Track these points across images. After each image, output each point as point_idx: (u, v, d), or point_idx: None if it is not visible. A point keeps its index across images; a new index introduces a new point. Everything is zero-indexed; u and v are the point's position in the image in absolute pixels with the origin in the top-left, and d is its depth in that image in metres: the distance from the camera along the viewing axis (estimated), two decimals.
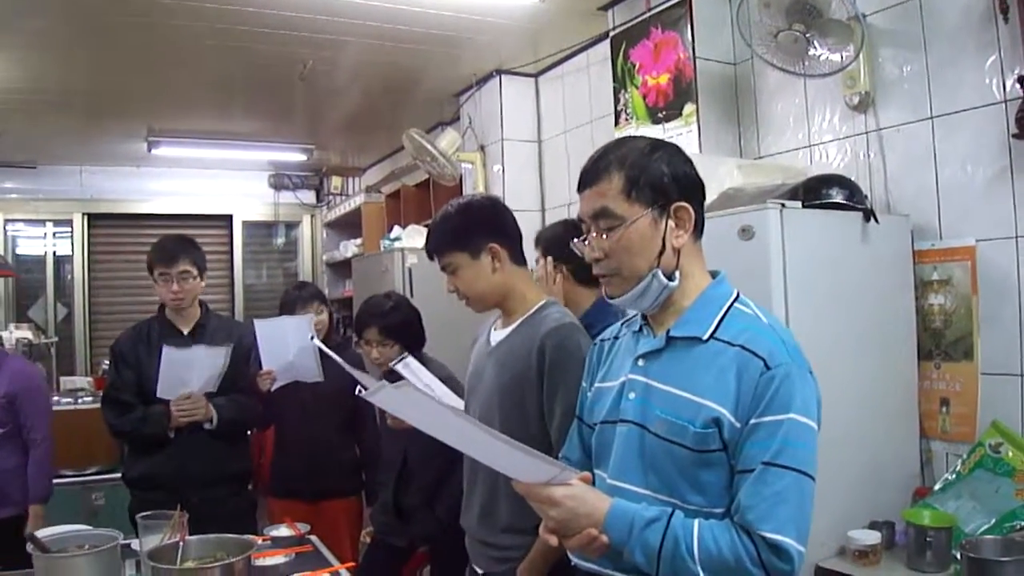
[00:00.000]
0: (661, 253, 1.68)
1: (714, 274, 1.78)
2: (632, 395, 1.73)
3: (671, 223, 1.69)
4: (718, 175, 3.07)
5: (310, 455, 3.83)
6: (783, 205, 2.76)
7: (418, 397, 1.52)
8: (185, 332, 3.49)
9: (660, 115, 3.92)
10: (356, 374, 1.71)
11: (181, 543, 2.51)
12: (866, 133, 3.22)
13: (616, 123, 4.20)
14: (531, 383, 2.30)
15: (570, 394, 2.14)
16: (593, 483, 1.70)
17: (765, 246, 2.71)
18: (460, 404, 2.66)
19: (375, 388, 1.47)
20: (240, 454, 3.59)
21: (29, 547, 2.47)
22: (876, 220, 2.92)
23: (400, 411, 1.66)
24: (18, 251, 8.17)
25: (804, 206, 2.87)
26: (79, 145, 7.31)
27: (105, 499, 4.92)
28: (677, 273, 1.70)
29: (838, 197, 2.95)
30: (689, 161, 1.76)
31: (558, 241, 2.90)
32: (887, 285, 2.99)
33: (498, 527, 2.35)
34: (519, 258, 2.47)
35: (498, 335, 2.48)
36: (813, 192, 2.97)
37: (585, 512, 1.58)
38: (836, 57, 3.12)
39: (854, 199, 2.95)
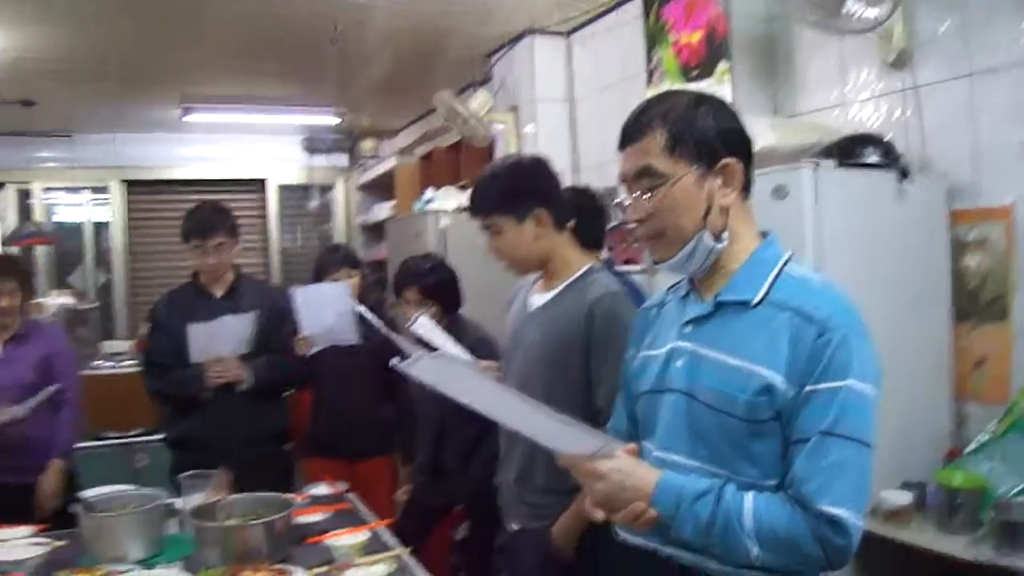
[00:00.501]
0: (707, 213, 1.59)
1: (764, 235, 1.69)
2: (679, 363, 1.65)
3: (718, 181, 1.60)
4: (751, 134, 3.05)
5: (348, 415, 3.89)
6: (817, 164, 2.74)
7: (456, 368, 1.52)
8: (218, 296, 3.56)
9: (693, 73, 3.89)
10: (395, 339, 1.72)
11: (223, 501, 2.59)
12: (902, 91, 3.17)
13: (648, 82, 4.18)
14: (577, 349, 2.30)
15: (619, 362, 2.08)
16: (640, 455, 1.65)
17: (799, 206, 2.70)
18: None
19: (411, 360, 1.46)
20: (277, 414, 3.67)
21: (76, 507, 2.56)
22: (912, 180, 2.89)
23: (437, 382, 1.60)
24: (57, 219, 8.31)
25: (838, 165, 2.85)
26: (113, 113, 7.40)
27: (147, 460, 5.04)
28: (725, 234, 1.61)
29: (873, 156, 2.93)
30: (736, 115, 1.67)
31: (570, 205, 2.93)
32: (922, 245, 2.96)
33: (536, 488, 2.38)
34: (561, 222, 2.45)
35: (539, 298, 2.47)
36: (847, 151, 2.95)
37: (632, 485, 1.54)
38: (872, 13, 3.07)
39: (889, 158, 2.93)
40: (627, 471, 1.55)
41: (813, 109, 3.55)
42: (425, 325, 3.03)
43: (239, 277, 3.65)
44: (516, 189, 2.40)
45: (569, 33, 5.23)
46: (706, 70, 3.80)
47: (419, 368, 1.49)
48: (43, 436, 3.54)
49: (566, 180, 5.03)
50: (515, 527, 2.51)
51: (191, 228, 3.50)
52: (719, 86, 3.72)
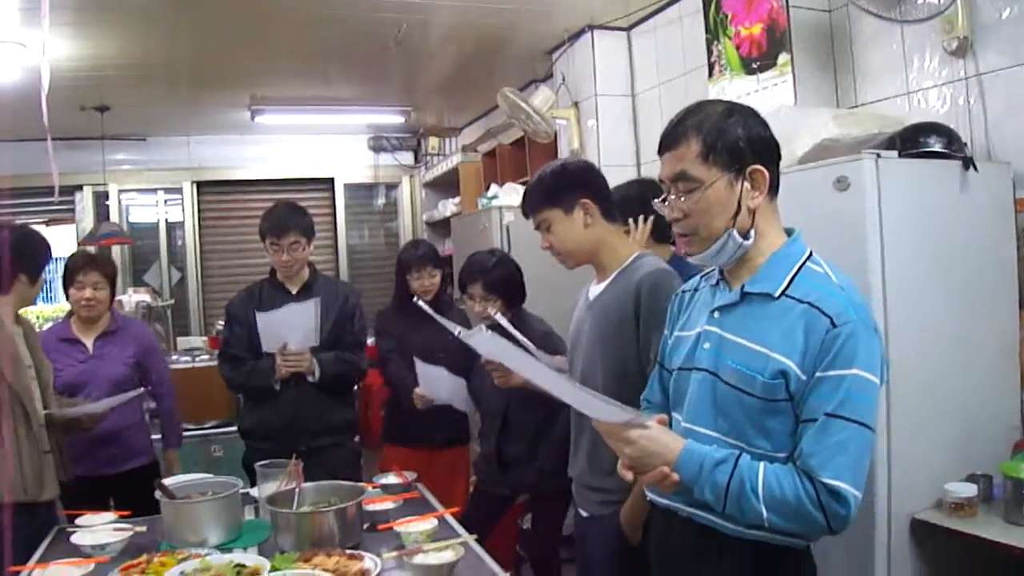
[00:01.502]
0: (737, 213, 1.77)
1: (789, 232, 1.85)
2: (707, 345, 1.84)
3: (747, 185, 1.77)
4: (812, 126, 3.06)
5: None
6: (878, 155, 2.73)
7: (508, 345, 1.72)
8: (294, 292, 3.66)
9: (754, 66, 3.89)
10: (449, 326, 1.84)
11: (298, 489, 2.68)
12: (965, 79, 3.15)
13: (710, 75, 4.19)
14: (629, 325, 2.40)
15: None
16: (669, 425, 1.86)
17: (860, 197, 2.70)
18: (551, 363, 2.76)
19: (473, 331, 1.69)
20: (346, 405, 3.76)
21: (157, 494, 2.67)
22: (976, 168, 2.87)
23: (493, 354, 1.91)
24: (132, 219, 8.56)
25: (901, 155, 2.84)
26: (185, 116, 7.61)
27: (223, 450, 5.21)
28: (752, 232, 1.79)
29: (936, 145, 2.90)
30: (764, 124, 1.82)
31: (631, 200, 2.99)
32: (987, 235, 2.94)
33: (604, 471, 2.44)
34: (611, 215, 2.57)
35: (595, 290, 2.58)
36: (910, 141, 2.93)
37: (657, 451, 1.73)
38: (933, 1, 3.06)
39: (952, 147, 2.90)
40: (655, 438, 1.74)
41: (875, 99, 3.53)
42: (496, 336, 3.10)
43: (314, 274, 3.75)
44: (560, 183, 2.54)
45: (630, 28, 5.25)
46: (767, 62, 3.80)
47: (476, 340, 1.76)
48: (131, 430, 3.69)
49: (628, 174, 5.10)
50: (584, 514, 2.58)
51: (268, 227, 3.60)
52: (781, 78, 3.72)
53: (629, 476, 1.79)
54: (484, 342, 1.79)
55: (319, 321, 3.50)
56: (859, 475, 1.64)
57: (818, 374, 1.65)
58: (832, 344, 1.64)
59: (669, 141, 1.82)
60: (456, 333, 1.72)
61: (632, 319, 2.39)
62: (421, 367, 3.75)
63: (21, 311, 3.17)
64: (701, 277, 2.03)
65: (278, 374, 3.51)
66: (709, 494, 1.70)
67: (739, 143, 1.76)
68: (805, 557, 1.81)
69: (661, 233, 3.08)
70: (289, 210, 3.67)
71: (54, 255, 3.28)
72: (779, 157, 1.84)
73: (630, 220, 3.06)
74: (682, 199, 1.79)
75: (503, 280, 3.58)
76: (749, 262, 1.82)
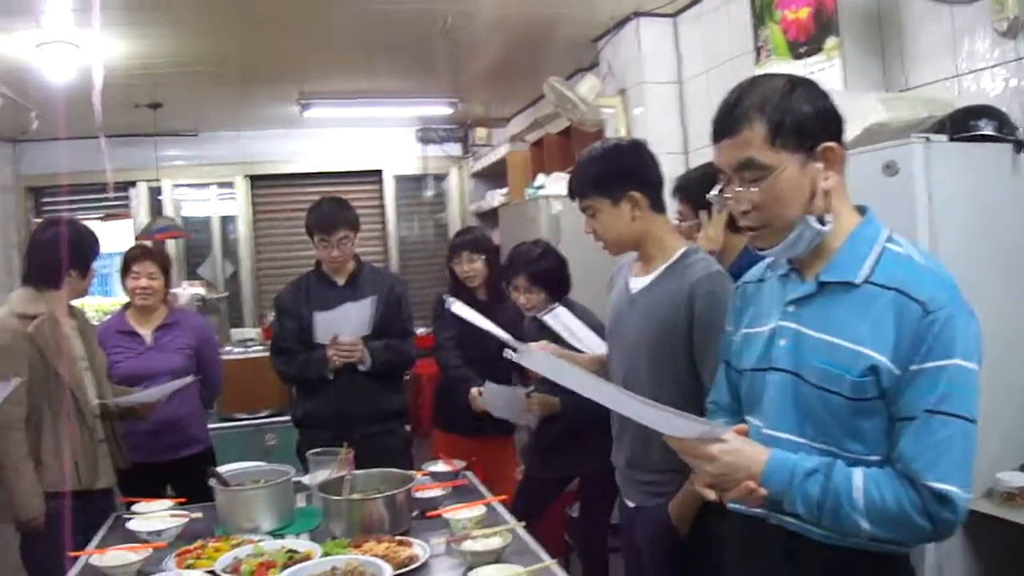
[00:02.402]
0: (811, 198, 1.61)
1: (861, 210, 1.70)
2: (783, 342, 1.68)
3: (819, 164, 1.60)
4: (861, 110, 3.02)
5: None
6: (928, 139, 2.70)
7: (563, 364, 1.62)
8: (341, 284, 3.72)
9: (801, 50, 3.85)
10: (498, 333, 1.83)
11: (348, 476, 2.73)
12: (1017, 60, 3.08)
13: (756, 60, 4.15)
14: (680, 331, 2.34)
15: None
16: (747, 432, 1.68)
17: (910, 182, 2.67)
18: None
19: (522, 352, 1.61)
20: (396, 393, 3.82)
21: (211, 482, 2.74)
22: None
23: (548, 372, 1.71)
24: (185, 213, 8.71)
25: (951, 139, 2.80)
26: (236, 111, 7.73)
27: (276, 439, 5.30)
28: (829, 216, 1.63)
29: (987, 128, 2.86)
30: (827, 95, 1.66)
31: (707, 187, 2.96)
32: None
33: (650, 467, 2.44)
34: (658, 205, 2.51)
35: (639, 282, 2.52)
36: (960, 124, 2.89)
37: (743, 465, 1.57)
38: None
39: (1004, 130, 2.86)
40: (737, 451, 1.58)
41: (924, 83, 3.47)
42: (560, 316, 3.12)
43: (360, 265, 3.81)
44: (610, 172, 2.47)
45: (675, 14, 5.21)
46: (814, 46, 3.75)
47: (529, 360, 1.68)
48: (188, 417, 3.78)
49: (676, 161, 5.09)
50: (631, 504, 2.57)
51: (315, 223, 3.66)
52: (828, 62, 3.67)
53: (711, 495, 1.62)
54: (538, 362, 1.70)
55: (373, 314, 3.55)
56: (967, 474, 1.49)
57: (913, 367, 1.50)
58: (927, 332, 1.49)
59: (727, 125, 1.64)
60: (506, 354, 1.67)
61: (684, 325, 2.33)
62: (489, 386, 3.73)
63: (76, 303, 3.26)
64: (767, 266, 1.85)
65: (331, 364, 3.57)
66: (801, 507, 1.56)
67: (808, 120, 1.59)
68: (904, 564, 1.66)
69: (735, 222, 3.07)
70: (335, 206, 3.72)
71: (104, 249, 3.35)
72: (843, 130, 1.67)
73: (702, 212, 2.97)
74: (750, 189, 1.62)
75: (547, 272, 3.59)
76: (824, 248, 1.64)
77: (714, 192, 1.74)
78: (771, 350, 1.71)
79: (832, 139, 1.62)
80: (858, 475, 1.52)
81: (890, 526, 1.51)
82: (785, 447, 1.63)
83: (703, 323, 2.30)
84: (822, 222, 1.62)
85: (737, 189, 1.65)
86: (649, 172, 2.52)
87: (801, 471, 1.55)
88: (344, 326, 3.54)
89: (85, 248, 3.16)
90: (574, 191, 2.54)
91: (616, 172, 2.47)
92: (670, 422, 1.57)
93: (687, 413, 1.58)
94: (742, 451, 1.59)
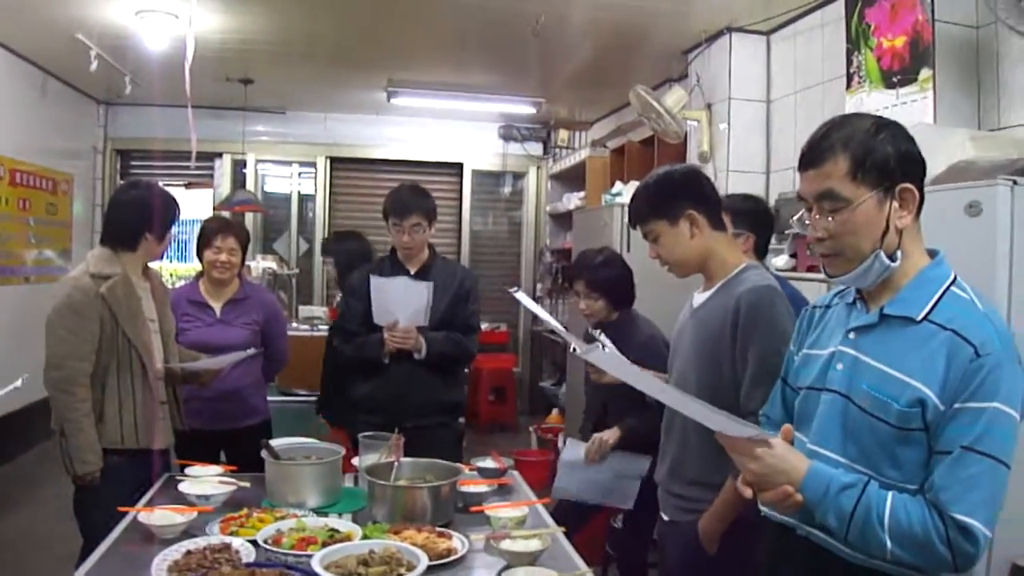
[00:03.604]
0: (884, 234, 1.69)
1: (932, 253, 1.77)
2: (840, 366, 1.76)
3: (895, 204, 1.69)
4: (948, 146, 2.96)
5: None
6: (1015, 182, 2.63)
7: (625, 361, 1.71)
8: (412, 272, 3.75)
9: (894, 79, 3.79)
10: (561, 331, 1.85)
11: (396, 463, 2.76)
12: None
13: (848, 86, 4.10)
14: (725, 340, 2.36)
15: (760, 355, 2.24)
16: (792, 440, 1.76)
17: (992, 224, 2.61)
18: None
19: (587, 349, 1.67)
20: (454, 387, 3.83)
21: (263, 453, 2.79)
22: None
23: (611, 368, 1.83)
24: (267, 189, 8.89)
25: None
26: (324, 93, 7.88)
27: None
28: (898, 253, 1.71)
29: None
30: (912, 139, 1.74)
31: (751, 216, 3.05)
32: None
33: (686, 480, 2.45)
34: (718, 223, 2.51)
35: (700, 298, 2.56)
36: None
37: (784, 469, 1.65)
38: None
39: None
40: (781, 456, 1.66)
41: (1018, 123, 3.39)
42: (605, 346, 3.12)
43: (432, 255, 3.84)
44: (666, 194, 2.49)
45: (769, 32, 5.17)
46: (908, 77, 3.69)
47: (592, 356, 1.74)
48: (249, 388, 3.85)
49: (758, 181, 5.04)
50: (665, 518, 2.59)
51: (391, 207, 3.70)
52: (921, 94, 3.61)
53: (748, 493, 1.72)
54: (604, 359, 1.77)
55: (430, 303, 3.58)
56: (991, 513, 1.56)
57: (957, 405, 1.58)
58: (975, 375, 1.57)
59: (813, 157, 1.74)
60: (572, 350, 1.74)
61: (729, 334, 2.35)
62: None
63: (152, 266, 3.34)
64: (835, 294, 1.95)
65: (387, 348, 3.61)
66: (832, 519, 1.64)
67: (889, 160, 1.68)
68: None
69: (762, 252, 3.12)
70: (413, 192, 3.75)
71: (183, 215, 3.41)
72: (924, 174, 1.75)
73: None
74: (828, 219, 1.71)
75: (608, 280, 3.57)
76: (891, 283, 1.74)
77: (795, 218, 1.81)
78: (828, 372, 1.79)
79: (911, 182, 1.70)
80: (890, 497, 1.60)
81: (913, 550, 1.57)
82: (827, 464, 1.70)
83: (743, 333, 2.32)
84: (892, 258, 1.70)
85: (815, 217, 1.74)
86: (705, 191, 2.54)
87: (838, 484, 1.63)
88: (397, 305, 3.57)
89: (163, 212, 3.21)
90: (633, 218, 2.58)
91: (672, 193, 2.50)
92: (723, 422, 1.65)
93: (738, 418, 1.65)
94: (785, 457, 1.67)
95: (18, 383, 2.65)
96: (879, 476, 1.65)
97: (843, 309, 1.86)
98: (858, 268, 1.71)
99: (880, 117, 1.78)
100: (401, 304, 3.57)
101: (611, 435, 3.43)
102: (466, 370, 4.13)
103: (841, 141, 1.70)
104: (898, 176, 1.68)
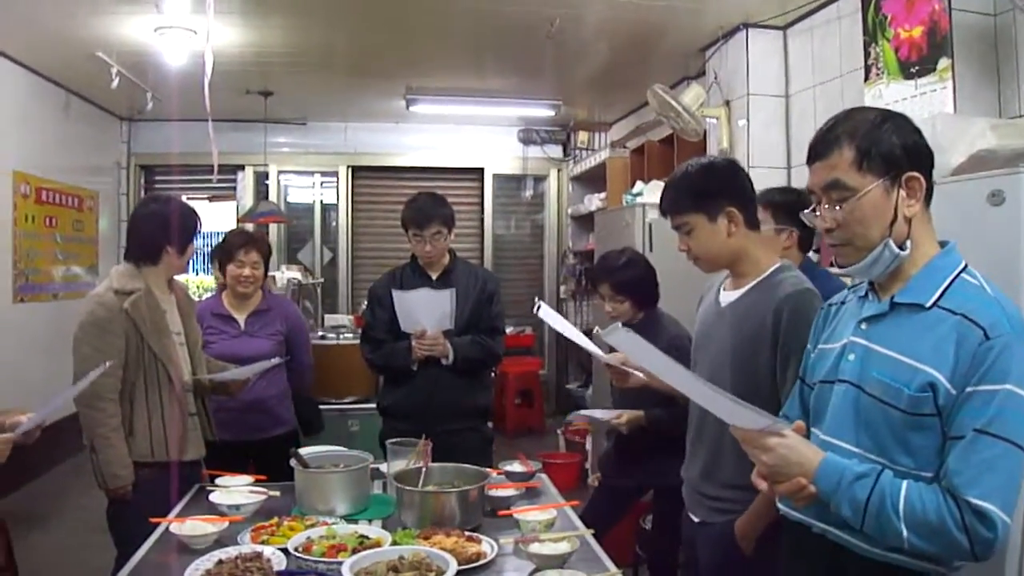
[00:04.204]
0: (893, 223, 1.71)
1: (943, 244, 1.77)
2: (851, 357, 1.77)
3: (903, 193, 1.70)
4: (969, 136, 2.94)
5: None
6: None
7: (646, 345, 1.71)
8: (434, 277, 3.77)
9: (912, 70, 3.77)
10: (585, 343, 1.82)
11: (424, 468, 2.77)
12: None
13: (866, 78, 4.08)
14: (764, 345, 2.32)
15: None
16: (808, 438, 1.78)
17: (1016, 212, 2.58)
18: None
19: (611, 329, 1.69)
20: (481, 391, 3.84)
21: (292, 462, 2.81)
22: None
23: (629, 351, 1.88)
24: (289, 199, 8.95)
25: None
26: (344, 103, 7.93)
27: (360, 426, 5.38)
28: (908, 242, 1.72)
29: None
30: (918, 131, 1.75)
31: (792, 209, 2.94)
32: None
33: (720, 482, 2.42)
34: (753, 221, 2.47)
35: (729, 296, 2.50)
36: None
37: (796, 461, 1.66)
38: None
39: None
40: (793, 447, 1.67)
41: None
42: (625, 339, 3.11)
43: (453, 260, 3.85)
44: (708, 188, 2.43)
45: (786, 27, 5.15)
46: (927, 67, 3.67)
47: (615, 338, 1.73)
48: (275, 399, 3.88)
49: (778, 176, 5.01)
50: (695, 519, 2.56)
51: (410, 218, 3.71)
52: (940, 84, 3.59)
53: (763, 485, 1.73)
54: (623, 340, 1.74)
55: (454, 308, 3.59)
56: (1009, 497, 1.54)
57: (969, 388, 1.57)
58: (985, 357, 1.57)
59: (820, 150, 1.77)
60: (594, 332, 1.74)
61: (769, 339, 2.31)
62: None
63: (179, 279, 3.37)
64: (849, 290, 1.95)
65: (414, 355, 3.63)
66: (847, 509, 1.63)
67: (894, 149, 1.70)
68: None
69: (808, 244, 3.09)
70: (431, 201, 3.76)
71: (207, 228, 3.43)
72: (932, 165, 1.76)
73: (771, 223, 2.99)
74: (836, 209, 1.74)
75: (632, 281, 3.56)
76: (902, 273, 1.74)
77: (807, 211, 1.83)
78: (840, 363, 1.81)
79: (917, 170, 1.71)
80: (904, 485, 1.59)
81: (929, 537, 1.56)
82: (840, 454, 1.70)
83: (786, 340, 2.27)
84: (902, 247, 1.72)
85: (824, 208, 1.76)
86: (745, 189, 2.49)
87: (851, 474, 1.63)
88: (422, 314, 3.59)
89: (183, 225, 3.22)
90: (668, 208, 2.52)
91: (714, 188, 2.44)
92: (736, 411, 1.66)
93: (753, 406, 1.65)
94: (798, 448, 1.68)
95: (100, 369, 2.63)
96: (893, 464, 1.65)
97: (856, 302, 1.87)
98: (868, 257, 1.73)
99: (885, 110, 1.80)
100: (425, 313, 3.59)
101: (635, 417, 3.43)
102: (492, 374, 4.13)
103: (847, 133, 1.73)
104: (904, 165, 1.70)
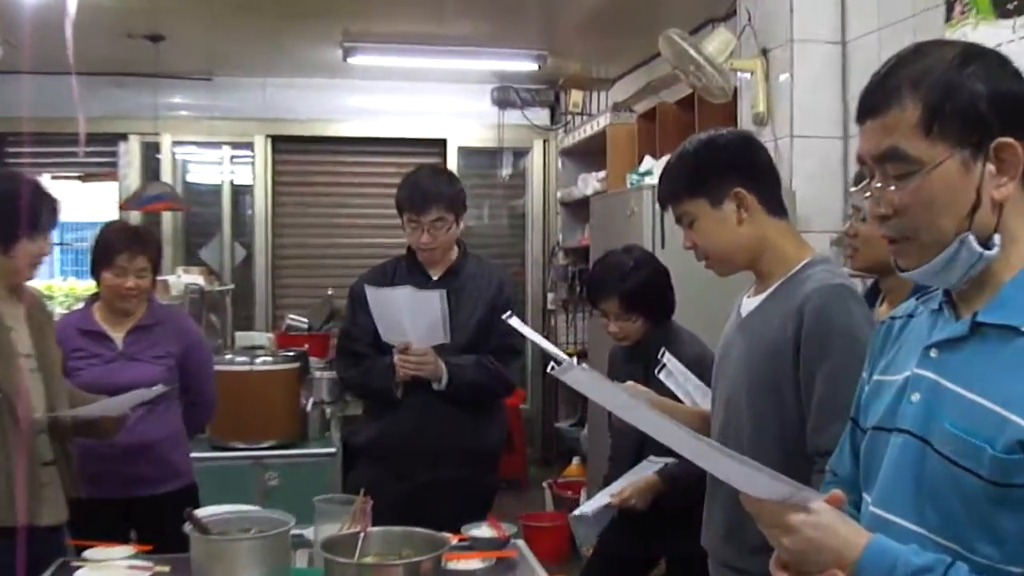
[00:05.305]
0: (975, 209, 1.54)
1: None
2: (915, 396, 1.62)
3: (990, 167, 1.53)
4: None
5: None
6: None
7: (604, 381, 1.65)
8: (435, 278, 3.71)
9: (1010, 6, 3.76)
10: (551, 351, 1.79)
11: (362, 534, 2.71)
12: None
13: (948, 18, 4.09)
14: (786, 357, 2.32)
15: (832, 374, 2.18)
16: (859, 507, 1.68)
17: None
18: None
19: (565, 367, 1.59)
20: (485, 428, 3.75)
21: (187, 527, 2.74)
22: None
23: (587, 391, 1.75)
24: (189, 179, 8.91)
25: None
26: (263, 53, 7.85)
27: (281, 479, 5.30)
28: (997, 237, 1.55)
29: None
30: (1018, 74, 1.58)
31: None
32: None
33: (747, 547, 2.36)
34: (775, 207, 2.47)
35: (750, 303, 2.51)
36: None
37: (829, 545, 1.52)
38: None
39: None
40: (825, 527, 1.53)
41: None
42: (673, 372, 3.09)
43: (463, 255, 3.80)
44: (707, 166, 2.45)
45: None
46: None
47: (571, 377, 1.60)
48: (166, 443, 3.80)
49: (832, 147, 5.00)
50: None
51: (405, 199, 3.67)
52: None
53: None
54: (582, 381, 1.65)
55: (446, 314, 3.53)
56: None
57: None
58: None
59: (872, 103, 1.59)
60: (550, 369, 1.67)
61: (791, 348, 2.30)
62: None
63: (34, 284, 3.29)
64: (918, 297, 1.80)
65: (398, 375, 3.57)
66: None
67: (979, 105, 1.51)
68: None
69: None
70: (434, 177, 3.73)
71: (74, 217, 3.35)
72: None
73: None
74: (892, 187, 1.56)
75: (642, 290, 3.52)
76: (989, 280, 1.57)
77: (855, 188, 1.70)
78: (900, 405, 1.65)
79: (1013, 135, 1.54)
80: None
81: None
82: (896, 535, 1.56)
83: (807, 347, 2.27)
84: (987, 245, 1.55)
85: (876, 185, 1.61)
86: (758, 165, 2.49)
87: (907, 567, 1.47)
88: (404, 318, 3.53)
89: (34, 212, 3.13)
90: (664, 197, 2.55)
91: (714, 165, 2.45)
92: (744, 474, 1.54)
93: (773, 471, 1.53)
94: (832, 528, 1.53)
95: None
96: (969, 554, 1.50)
97: (927, 318, 1.73)
98: (938, 258, 1.56)
99: (970, 45, 1.64)
100: (409, 319, 3.53)
101: (647, 484, 3.39)
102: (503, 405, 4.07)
103: (910, 80, 1.55)
104: (994, 127, 1.52)
